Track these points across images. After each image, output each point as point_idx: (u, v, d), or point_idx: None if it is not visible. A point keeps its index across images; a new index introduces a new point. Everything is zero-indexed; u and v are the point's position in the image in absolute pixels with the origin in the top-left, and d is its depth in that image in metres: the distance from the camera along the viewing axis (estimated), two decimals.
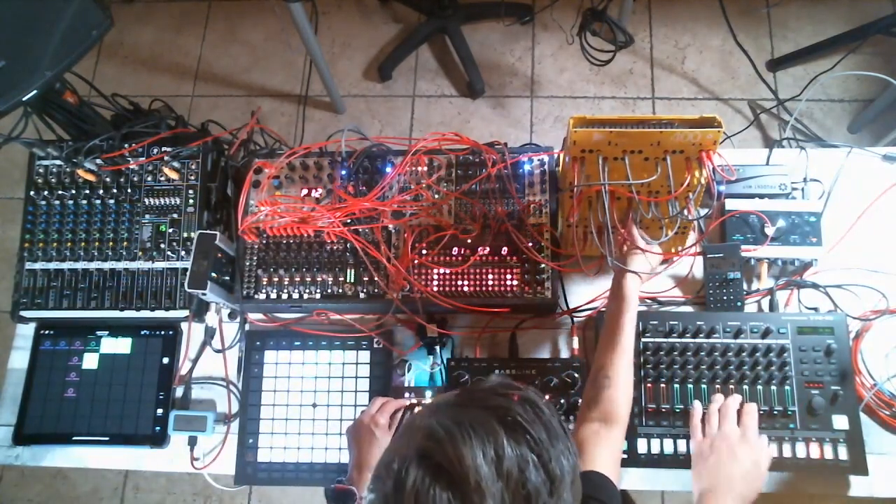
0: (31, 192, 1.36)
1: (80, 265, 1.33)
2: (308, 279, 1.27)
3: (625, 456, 1.14)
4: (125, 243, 1.33)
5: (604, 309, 1.24)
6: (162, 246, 1.32)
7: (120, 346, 1.32)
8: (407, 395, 1.21)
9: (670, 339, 1.19)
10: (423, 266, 1.24)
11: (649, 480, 1.17)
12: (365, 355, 1.28)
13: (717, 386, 1.16)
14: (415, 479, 0.62)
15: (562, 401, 1.16)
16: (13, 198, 2.58)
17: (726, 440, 1.02)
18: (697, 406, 1.10)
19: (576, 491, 0.68)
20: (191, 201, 1.34)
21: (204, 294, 1.19)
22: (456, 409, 0.69)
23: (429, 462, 0.63)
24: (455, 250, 1.25)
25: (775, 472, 1.13)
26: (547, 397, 1.17)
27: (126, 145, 1.35)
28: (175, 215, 1.34)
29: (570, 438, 0.70)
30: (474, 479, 0.61)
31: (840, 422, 1.12)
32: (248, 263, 1.29)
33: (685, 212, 1.12)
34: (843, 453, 1.11)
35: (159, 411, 1.27)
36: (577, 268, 1.19)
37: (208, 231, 1.22)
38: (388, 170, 1.30)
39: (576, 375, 1.17)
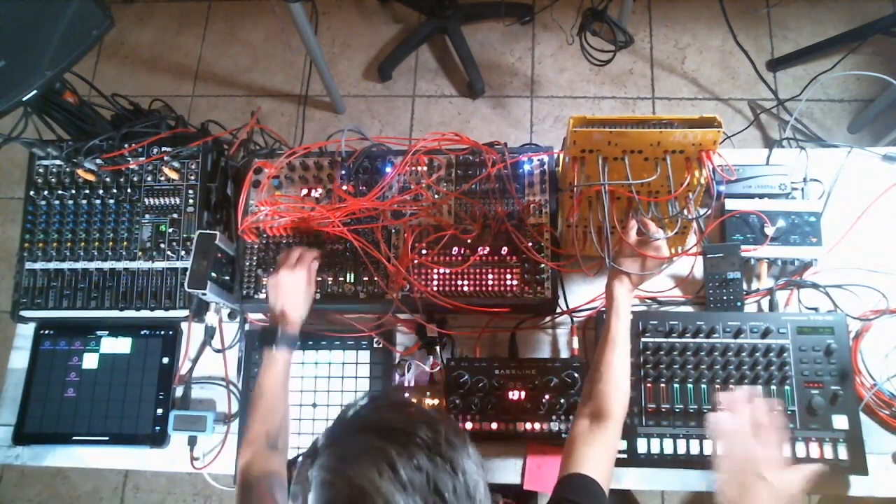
0: (31, 192, 1.36)
1: (80, 265, 1.33)
2: None
3: (624, 456, 1.14)
4: (125, 243, 1.33)
5: (603, 309, 1.24)
6: (162, 246, 1.32)
7: (120, 346, 1.32)
8: (407, 395, 1.21)
9: (670, 339, 1.19)
10: (422, 266, 1.24)
11: (649, 480, 1.17)
12: (365, 355, 1.28)
13: (717, 386, 1.16)
14: None
15: (562, 401, 1.16)
16: (13, 198, 2.58)
17: (752, 465, 0.94)
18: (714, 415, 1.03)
19: (475, 461, 0.71)
20: (191, 201, 1.34)
21: (204, 294, 1.19)
22: (334, 445, 0.70)
23: None
24: (455, 250, 1.25)
25: None
26: (547, 397, 1.17)
27: (126, 145, 1.35)
28: (175, 215, 1.34)
29: (446, 415, 0.72)
30: (382, 501, 0.62)
31: (840, 422, 1.12)
32: (248, 263, 1.29)
33: (685, 212, 1.12)
34: (843, 453, 1.11)
35: (159, 411, 1.27)
36: (576, 268, 1.19)
37: (208, 231, 1.22)
38: (388, 170, 1.30)
39: (576, 375, 1.17)
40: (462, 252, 1.25)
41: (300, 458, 0.73)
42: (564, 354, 1.27)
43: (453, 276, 1.23)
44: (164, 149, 1.35)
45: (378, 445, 0.66)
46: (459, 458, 0.68)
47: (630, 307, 1.06)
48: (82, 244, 1.33)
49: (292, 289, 1.16)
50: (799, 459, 1.11)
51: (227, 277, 1.26)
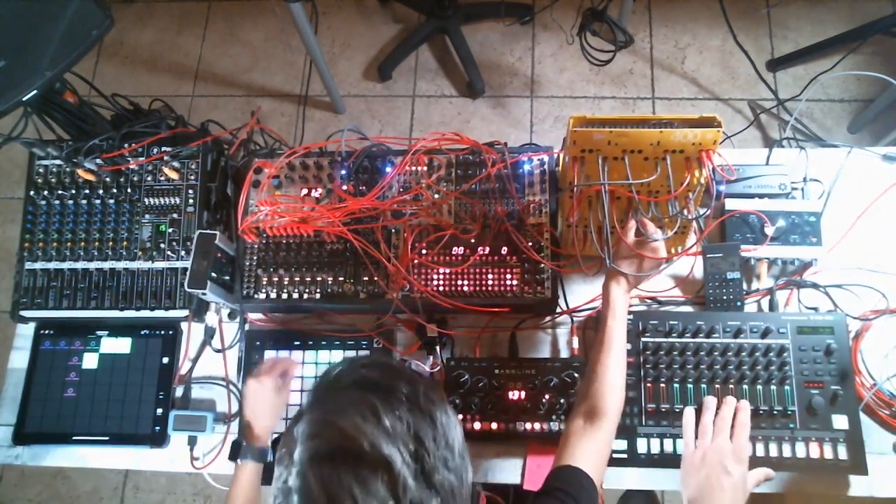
0: (31, 192, 1.36)
1: (80, 265, 1.33)
2: (308, 279, 1.27)
3: (624, 456, 1.14)
4: (125, 243, 1.33)
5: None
6: (162, 246, 1.32)
7: (120, 345, 1.32)
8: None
9: (670, 339, 1.19)
10: (423, 266, 1.24)
11: (649, 480, 1.17)
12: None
13: (717, 386, 1.16)
14: (316, 478, 0.64)
15: (562, 401, 1.16)
16: (13, 198, 2.58)
17: (718, 454, 1.02)
18: (689, 415, 1.10)
19: (453, 417, 0.74)
20: (191, 201, 1.34)
21: (204, 294, 1.19)
22: (318, 403, 0.72)
23: (319, 457, 0.65)
24: (455, 250, 1.25)
25: (775, 472, 1.13)
26: (547, 397, 1.17)
27: (126, 145, 1.35)
28: (175, 215, 1.34)
29: (424, 377, 0.76)
30: (368, 443, 0.64)
31: (840, 422, 1.12)
32: (248, 263, 1.29)
33: (685, 211, 1.12)
34: (843, 453, 1.11)
35: (159, 411, 1.27)
36: (576, 268, 1.19)
37: (208, 231, 1.22)
38: (388, 170, 1.30)
39: (576, 375, 1.17)
40: (462, 252, 1.25)
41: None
42: (564, 354, 1.27)
43: (453, 276, 1.23)
44: (164, 149, 1.35)
45: (361, 397, 0.69)
46: (437, 412, 0.72)
47: (626, 308, 1.06)
48: (82, 244, 1.33)
49: (256, 398, 1.13)
50: (799, 459, 1.11)
51: (227, 277, 1.26)
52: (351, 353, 1.28)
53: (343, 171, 1.31)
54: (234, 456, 1.11)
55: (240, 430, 1.15)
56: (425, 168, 1.31)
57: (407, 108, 2.54)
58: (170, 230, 1.33)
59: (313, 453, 0.66)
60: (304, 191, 1.31)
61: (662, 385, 1.17)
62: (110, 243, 1.33)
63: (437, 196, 1.29)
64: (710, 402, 1.10)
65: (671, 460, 1.13)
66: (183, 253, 1.31)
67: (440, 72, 2.58)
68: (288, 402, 1.21)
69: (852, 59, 2.36)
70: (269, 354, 1.28)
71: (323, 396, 0.73)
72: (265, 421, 1.13)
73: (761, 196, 1.29)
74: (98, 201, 1.35)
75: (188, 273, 1.18)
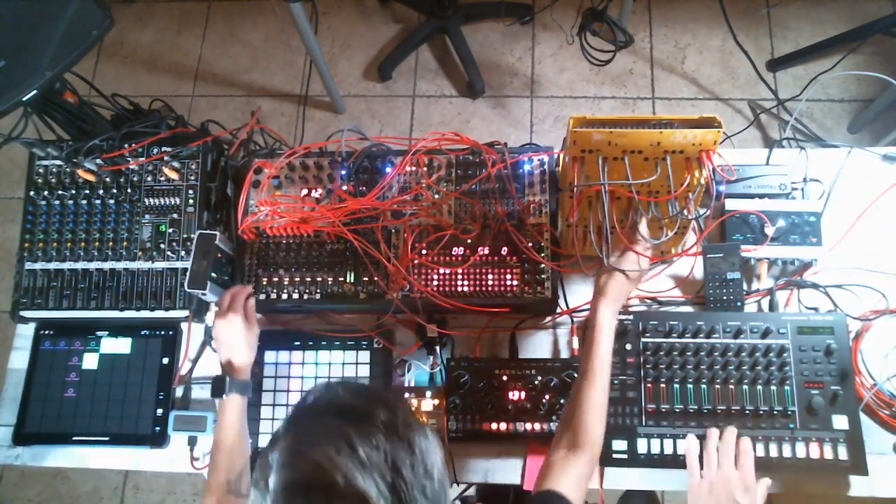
0: (31, 192, 1.36)
1: (80, 265, 1.33)
2: (308, 279, 1.27)
3: (624, 456, 1.14)
4: (125, 243, 1.33)
5: None
6: (162, 246, 1.32)
7: (120, 346, 1.32)
8: (407, 394, 1.21)
9: (670, 339, 1.19)
10: (422, 266, 1.24)
11: (649, 480, 1.17)
12: (365, 355, 1.27)
13: (717, 386, 1.16)
14: None
15: (562, 401, 1.16)
16: (13, 198, 2.59)
17: (726, 485, 1.02)
18: (693, 442, 1.10)
19: (433, 441, 0.72)
20: (191, 201, 1.34)
21: (204, 294, 1.19)
22: (292, 430, 0.71)
23: (293, 487, 0.64)
24: (455, 250, 1.25)
25: (775, 472, 1.13)
26: (547, 397, 1.17)
27: (126, 145, 1.35)
28: (175, 215, 1.34)
29: (404, 398, 0.74)
30: (342, 476, 0.62)
31: (840, 422, 1.12)
32: (247, 263, 1.29)
33: (685, 212, 1.12)
34: (843, 453, 1.11)
35: (159, 411, 1.27)
36: (576, 268, 1.19)
37: (208, 231, 1.22)
38: (388, 170, 1.30)
39: (575, 375, 1.17)
40: (462, 252, 1.25)
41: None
42: (564, 354, 1.27)
43: (453, 276, 1.23)
44: (164, 149, 1.35)
45: (336, 426, 0.67)
46: (416, 438, 0.70)
47: (613, 330, 1.04)
48: (82, 244, 1.33)
49: (229, 336, 1.15)
50: (799, 459, 1.11)
51: (227, 277, 1.26)
52: (351, 353, 1.28)
53: (343, 171, 1.31)
54: (217, 392, 1.11)
55: (221, 370, 1.15)
56: (425, 168, 1.31)
57: (407, 108, 2.54)
58: (170, 230, 1.33)
59: (287, 483, 0.65)
60: (304, 191, 1.31)
61: (662, 385, 1.17)
62: (110, 243, 1.33)
63: (437, 196, 1.29)
64: (712, 431, 1.10)
65: (671, 460, 1.13)
66: (183, 253, 1.31)
67: (440, 72, 2.58)
68: (258, 333, 1.20)
69: (852, 59, 2.36)
70: (270, 354, 1.28)
71: (298, 422, 0.72)
72: (243, 356, 1.15)
73: (761, 196, 1.29)
74: (98, 201, 1.35)
75: (188, 273, 1.18)
